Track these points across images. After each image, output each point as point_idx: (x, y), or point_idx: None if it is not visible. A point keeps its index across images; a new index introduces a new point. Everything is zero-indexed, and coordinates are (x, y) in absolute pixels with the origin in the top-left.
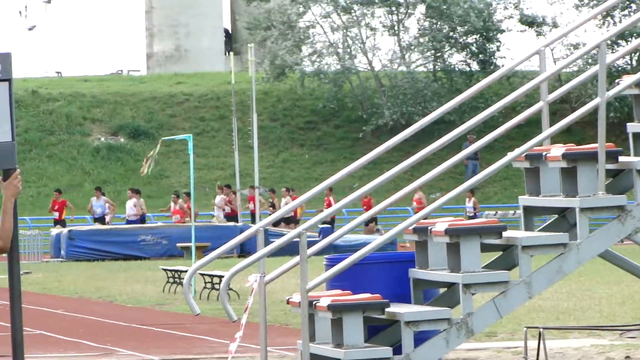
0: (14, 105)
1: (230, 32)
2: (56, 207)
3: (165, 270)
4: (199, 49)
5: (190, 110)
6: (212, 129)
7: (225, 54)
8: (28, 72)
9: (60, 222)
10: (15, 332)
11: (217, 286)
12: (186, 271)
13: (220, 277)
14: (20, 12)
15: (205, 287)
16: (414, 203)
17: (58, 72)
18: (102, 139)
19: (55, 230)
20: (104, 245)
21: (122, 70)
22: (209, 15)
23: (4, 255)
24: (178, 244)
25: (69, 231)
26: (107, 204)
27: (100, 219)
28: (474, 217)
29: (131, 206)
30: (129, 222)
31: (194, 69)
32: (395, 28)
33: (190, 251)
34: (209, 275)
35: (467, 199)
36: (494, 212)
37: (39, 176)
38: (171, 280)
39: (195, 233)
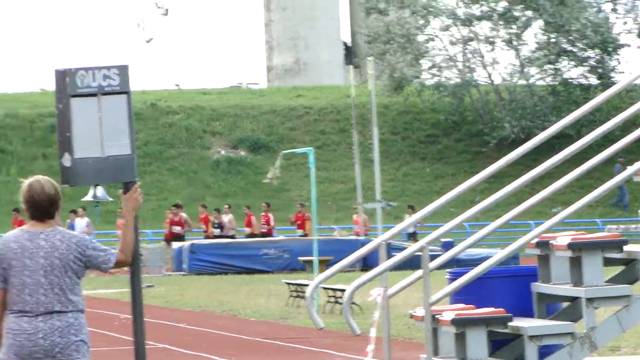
0: (134, 118)
1: (349, 45)
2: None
3: (288, 284)
4: (318, 61)
5: (310, 124)
6: (333, 142)
7: (344, 67)
8: (147, 85)
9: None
10: (138, 346)
11: (340, 300)
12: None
13: (343, 290)
14: (138, 25)
15: (328, 301)
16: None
17: (177, 85)
18: (222, 152)
19: (177, 244)
20: (226, 259)
21: (241, 83)
22: (328, 28)
23: (126, 268)
24: (300, 258)
25: (191, 244)
26: (86, 224)
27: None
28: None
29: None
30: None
31: (313, 82)
32: (514, 42)
33: (312, 265)
34: (332, 289)
35: (408, 215)
36: (615, 227)
37: (159, 189)
38: (294, 294)
39: (317, 247)
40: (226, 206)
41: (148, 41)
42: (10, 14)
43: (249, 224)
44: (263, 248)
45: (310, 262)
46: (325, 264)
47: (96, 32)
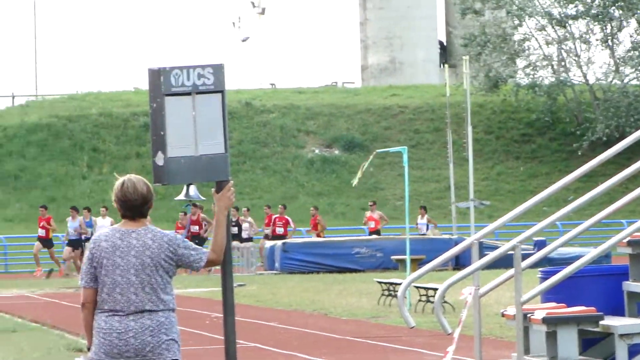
0: (228, 117)
1: (444, 44)
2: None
3: (379, 282)
4: (413, 61)
5: (405, 123)
6: (427, 142)
7: (440, 66)
8: (241, 84)
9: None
10: (228, 345)
11: (431, 299)
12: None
13: (435, 289)
14: (233, 24)
15: (420, 300)
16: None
17: (272, 84)
18: (317, 151)
19: (269, 243)
20: (318, 258)
21: (336, 82)
22: (424, 27)
23: (218, 267)
24: (393, 257)
25: (283, 243)
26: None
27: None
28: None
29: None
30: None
31: (408, 81)
32: (609, 42)
33: (404, 264)
34: (424, 288)
35: (420, 216)
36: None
37: (252, 188)
38: (386, 292)
39: (410, 246)
40: (245, 209)
41: (244, 40)
42: (105, 13)
43: (268, 224)
44: (355, 247)
45: (402, 261)
46: (417, 263)
47: (191, 31)
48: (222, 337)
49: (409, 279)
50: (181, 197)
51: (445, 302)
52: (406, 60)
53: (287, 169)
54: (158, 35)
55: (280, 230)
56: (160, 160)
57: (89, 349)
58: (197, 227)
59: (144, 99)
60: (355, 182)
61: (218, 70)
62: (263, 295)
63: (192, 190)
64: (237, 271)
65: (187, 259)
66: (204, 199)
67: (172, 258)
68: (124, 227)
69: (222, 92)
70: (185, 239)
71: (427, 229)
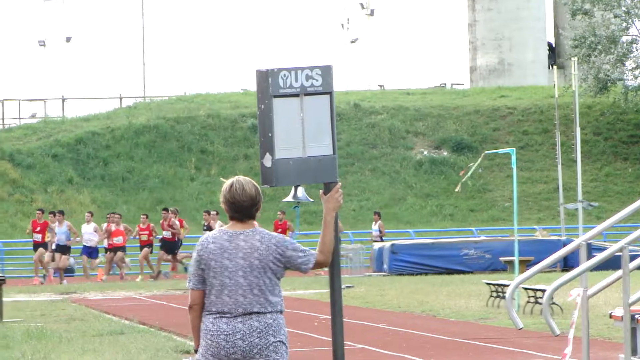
0: (336, 119)
1: (553, 45)
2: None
3: (488, 284)
4: (522, 62)
5: (514, 124)
6: (536, 143)
7: (548, 68)
8: (350, 85)
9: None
10: (336, 347)
11: (540, 300)
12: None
13: (543, 291)
14: (342, 25)
15: (528, 301)
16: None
17: (380, 85)
18: (425, 152)
19: (378, 245)
20: (426, 259)
21: (445, 84)
22: (533, 28)
23: (326, 269)
24: (501, 258)
25: (392, 245)
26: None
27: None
28: (381, 240)
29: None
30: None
31: (517, 83)
32: None
33: (513, 265)
34: (532, 289)
35: (374, 222)
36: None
37: (361, 190)
38: (494, 294)
39: (518, 247)
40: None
41: (353, 42)
42: (213, 14)
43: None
44: (464, 248)
45: (511, 262)
46: (525, 264)
47: (300, 33)
48: (330, 339)
49: (517, 281)
50: (289, 198)
51: (553, 303)
52: (515, 61)
53: (396, 170)
54: (266, 36)
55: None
56: (268, 161)
57: (196, 351)
58: (169, 234)
59: (252, 101)
60: (458, 188)
61: (326, 71)
62: (371, 297)
63: (300, 191)
64: (345, 273)
65: (295, 261)
66: (312, 200)
67: (280, 260)
68: (232, 229)
69: (330, 93)
70: (294, 241)
71: (379, 233)
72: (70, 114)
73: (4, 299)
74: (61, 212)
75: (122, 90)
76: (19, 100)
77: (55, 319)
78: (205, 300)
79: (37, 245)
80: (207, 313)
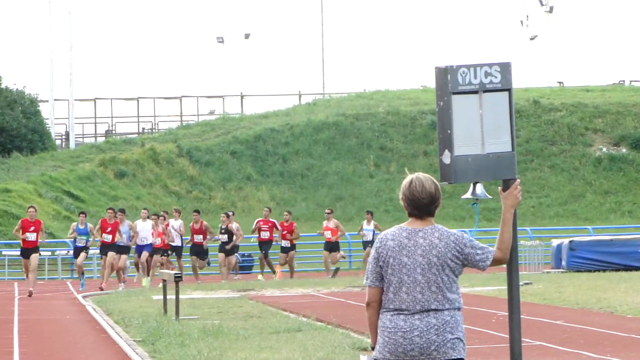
0: (515, 116)
1: None
2: None
3: None
4: None
5: None
6: None
7: None
8: (529, 82)
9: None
10: (513, 343)
11: None
12: None
13: None
14: (521, 22)
15: None
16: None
17: (560, 82)
18: (604, 149)
19: (556, 241)
20: (604, 256)
21: (623, 81)
22: None
23: (504, 266)
24: None
25: (570, 242)
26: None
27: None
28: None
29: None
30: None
31: None
32: None
33: None
34: None
35: (366, 221)
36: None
37: (540, 186)
38: None
39: None
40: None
41: (532, 38)
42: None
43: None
44: None
45: None
46: None
47: (479, 29)
48: (508, 336)
49: None
50: (468, 195)
51: None
52: None
53: (575, 167)
54: (445, 33)
55: (265, 235)
56: (447, 158)
57: (373, 348)
58: (200, 237)
59: (431, 97)
60: None
61: (505, 68)
62: (549, 294)
63: (479, 188)
64: (523, 270)
65: (473, 258)
66: (490, 197)
67: (458, 257)
68: (410, 225)
69: (509, 90)
70: (472, 238)
71: (374, 235)
72: (248, 110)
73: (181, 297)
74: (122, 211)
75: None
76: (197, 97)
77: (232, 316)
78: (382, 298)
79: (104, 247)
80: (384, 310)
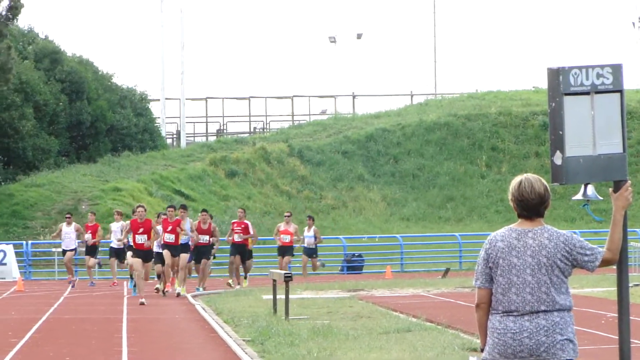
0: (626, 117)
1: None
2: None
3: None
4: None
5: None
6: None
7: None
8: None
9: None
10: (623, 344)
11: None
12: None
13: None
14: (633, 24)
15: None
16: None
17: None
18: None
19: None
20: None
21: None
22: None
23: (613, 267)
24: None
25: None
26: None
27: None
28: (315, 248)
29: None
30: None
31: None
32: None
33: None
34: None
35: (307, 227)
36: None
37: None
38: None
39: None
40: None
41: None
42: (504, 12)
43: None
44: None
45: None
46: None
47: (591, 31)
48: (617, 337)
49: None
50: (578, 196)
51: None
52: None
53: None
54: (557, 34)
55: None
56: (558, 159)
57: (482, 350)
58: (207, 237)
59: (543, 98)
60: None
61: (617, 70)
62: None
63: (590, 189)
64: (633, 271)
65: (582, 259)
66: (601, 198)
67: (567, 258)
68: (520, 226)
69: (620, 91)
70: (582, 239)
71: (315, 240)
72: (360, 110)
73: (290, 296)
74: (184, 207)
75: (413, 87)
76: (309, 96)
77: (341, 316)
78: (492, 299)
79: (166, 247)
80: (494, 311)
